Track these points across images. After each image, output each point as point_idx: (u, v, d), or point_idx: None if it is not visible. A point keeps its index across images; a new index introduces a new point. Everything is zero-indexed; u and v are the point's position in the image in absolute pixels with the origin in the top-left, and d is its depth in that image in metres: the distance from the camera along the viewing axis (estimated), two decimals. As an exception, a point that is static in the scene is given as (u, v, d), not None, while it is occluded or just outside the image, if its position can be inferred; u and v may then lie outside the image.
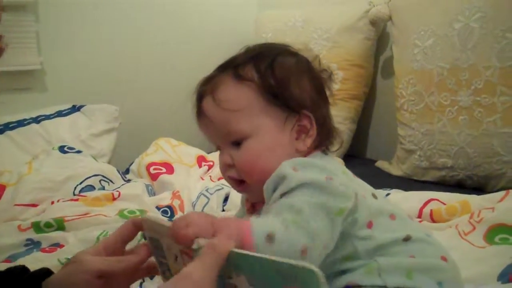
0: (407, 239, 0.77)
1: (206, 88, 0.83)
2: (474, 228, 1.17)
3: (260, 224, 0.66)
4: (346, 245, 0.74)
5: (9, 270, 0.83)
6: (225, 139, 0.82)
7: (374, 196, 0.82)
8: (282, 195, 0.72)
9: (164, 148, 1.86)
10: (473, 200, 1.29)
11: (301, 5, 2.37)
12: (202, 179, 1.72)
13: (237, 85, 0.81)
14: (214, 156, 1.94)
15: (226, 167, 0.83)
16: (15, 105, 2.04)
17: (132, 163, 1.85)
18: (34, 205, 1.48)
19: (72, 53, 2.18)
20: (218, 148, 0.85)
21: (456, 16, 1.66)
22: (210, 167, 1.83)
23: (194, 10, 2.53)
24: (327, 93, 0.86)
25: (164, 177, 1.70)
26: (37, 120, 1.94)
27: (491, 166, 1.60)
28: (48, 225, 1.33)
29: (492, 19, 1.57)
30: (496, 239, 1.13)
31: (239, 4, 2.70)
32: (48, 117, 1.97)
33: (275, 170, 0.75)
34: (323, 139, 0.84)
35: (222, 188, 1.55)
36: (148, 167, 1.75)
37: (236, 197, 1.49)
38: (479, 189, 1.63)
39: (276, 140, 0.80)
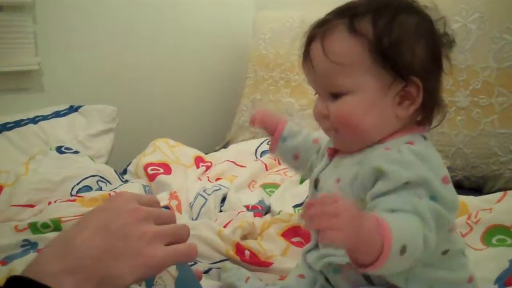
0: (445, 252, 0.77)
1: (318, 32, 0.81)
2: (472, 229, 1.17)
3: (398, 234, 0.64)
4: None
5: None
6: (325, 89, 0.81)
7: None
8: (406, 183, 0.70)
9: (162, 149, 1.86)
10: (471, 201, 1.29)
11: (298, 6, 2.37)
12: (200, 179, 1.72)
13: (349, 38, 0.78)
14: (212, 157, 1.94)
15: (320, 117, 0.82)
16: (12, 106, 2.03)
17: (129, 164, 1.84)
18: (31, 206, 1.47)
19: (69, 54, 2.17)
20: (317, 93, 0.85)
21: (453, 16, 1.65)
22: (207, 167, 1.82)
23: (191, 11, 2.53)
24: (444, 61, 0.82)
25: (162, 177, 1.69)
26: (34, 120, 1.93)
27: (489, 166, 1.60)
28: (45, 226, 1.33)
29: (489, 19, 1.58)
30: (494, 240, 1.13)
31: (236, 5, 2.70)
32: (45, 117, 1.96)
33: (398, 154, 0.74)
34: (428, 111, 0.81)
35: (220, 188, 1.55)
36: (145, 168, 1.75)
37: (233, 198, 1.50)
38: (477, 189, 1.63)
39: (376, 101, 0.78)
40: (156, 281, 0.68)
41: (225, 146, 2.36)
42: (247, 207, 1.46)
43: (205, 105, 2.55)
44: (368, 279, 0.77)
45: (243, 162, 1.79)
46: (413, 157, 0.72)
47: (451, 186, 0.72)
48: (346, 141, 0.81)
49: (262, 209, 1.46)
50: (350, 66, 0.77)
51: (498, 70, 1.55)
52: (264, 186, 1.61)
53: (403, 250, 0.64)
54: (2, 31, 1.99)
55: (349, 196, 0.76)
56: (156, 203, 0.70)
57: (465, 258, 0.80)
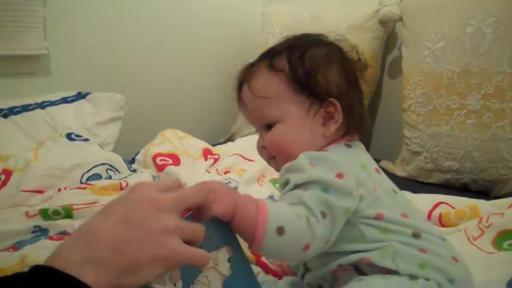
0: (416, 235, 0.81)
1: (245, 75, 0.92)
2: (483, 233, 1.18)
3: (275, 214, 0.73)
4: (352, 230, 0.80)
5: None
6: (259, 122, 0.91)
7: (395, 191, 0.87)
8: (296, 186, 0.79)
9: (171, 140, 1.85)
10: (482, 205, 1.30)
11: (310, 2, 2.37)
12: (208, 172, 1.72)
13: (270, 74, 0.89)
14: (220, 149, 1.94)
15: (260, 148, 0.93)
16: (19, 90, 2.01)
17: (138, 153, 1.83)
18: (40, 192, 1.47)
19: (78, 40, 2.16)
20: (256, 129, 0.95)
21: (468, 20, 1.66)
22: (215, 160, 1.82)
23: (201, 3, 2.52)
24: (359, 81, 0.92)
25: (171, 168, 1.69)
26: (42, 105, 1.92)
27: (497, 171, 1.60)
28: (56, 213, 1.33)
29: (505, 24, 1.58)
30: (505, 245, 1.13)
31: (246, -2, 2.70)
32: (53, 103, 1.94)
33: (294, 160, 0.82)
34: (350, 125, 0.89)
35: (229, 182, 1.55)
36: (154, 158, 1.74)
37: (244, 191, 1.49)
38: (484, 193, 1.64)
39: (302, 125, 0.87)
40: (198, 280, 0.67)
41: (230, 139, 2.36)
42: (257, 201, 1.46)
43: (211, 97, 2.54)
44: (360, 272, 0.80)
45: (251, 156, 1.78)
46: (305, 161, 0.81)
47: (346, 179, 0.78)
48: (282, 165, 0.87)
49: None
50: (274, 98, 0.87)
51: (511, 75, 1.55)
52: (274, 181, 1.61)
53: (280, 230, 0.72)
54: (12, 14, 1.96)
55: None
56: (178, 186, 0.69)
57: (442, 242, 0.84)
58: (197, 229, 0.66)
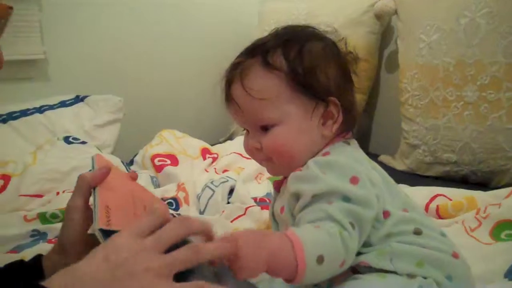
0: (417, 232, 0.79)
1: (235, 74, 0.84)
2: (480, 224, 1.17)
3: (310, 245, 0.68)
4: None
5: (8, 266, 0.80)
6: (254, 124, 0.84)
7: (395, 186, 0.85)
8: (314, 196, 0.75)
9: (169, 140, 1.86)
10: (479, 196, 1.29)
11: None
12: (207, 171, 1.72)
13: (266, 73, 0.82)
14: (218, 149, 1.94)
15: (253, 150, 0.86)
16: (17, 94, 2.03)
17: (136, 155, 1.84)
18: (39, 196, 1.47)
19: (75, 43, 2.17)
20: (245, 130, 0.89)
21: (462, 11, 1.65)
22: (214, 159, 1.82)
23: (197, 4, 2.53)
24: (352, 76, 0.87)
25: (169, 168, 1.69)
26: (40, 110, 1.93)
27: (495, 162, 1.60)
28: (54, 216, 1.33)
29: (498, 14, 1.57)
30: (502, 235, 1.13)
31: (242, -4, 2.70)
32: (51, 107, 1.96)
33: (304, 169, 0.79)
34: (348, 125, 0.85)
35: (227, 180, 1.55)
36: (152, 159, 1.75)
37: (242, 190, 1.50)
38: (483, 184, 1.64)
39: (303, 126, 0.82)
40: None
41: (229, 138, 2.36)
42: (254, 199, 1.46)
43: (209, 97, 2.53)
44: (356, 272, 0.78)
45: (249, 154, 1.78)
46: (317, 170, 0.77)
47: (362, 184, 0.76)
48: (280, 168, 0.85)
49: (270, 202, 1.46)
50: (272, 99, 0.81)
51: (506, 65, 1.55)
52: (271, 179, 1.61)
53: (320, 259, 0.68)
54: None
55: (292, 222, 0.80)
56: (161, 219, 0.66)
57: (442, 238, 0.82)
58: (192, 251, 0.62)
